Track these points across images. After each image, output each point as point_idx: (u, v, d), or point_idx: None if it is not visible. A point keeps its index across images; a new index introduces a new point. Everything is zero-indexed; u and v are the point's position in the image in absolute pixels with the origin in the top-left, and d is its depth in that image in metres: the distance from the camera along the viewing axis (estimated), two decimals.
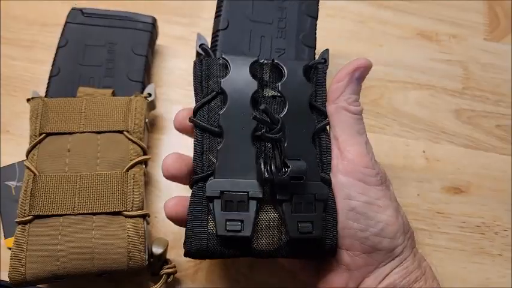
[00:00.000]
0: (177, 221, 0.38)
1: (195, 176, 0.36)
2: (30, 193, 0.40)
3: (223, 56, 0.38)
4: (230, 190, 0.34)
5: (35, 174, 0.41)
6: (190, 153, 0.38)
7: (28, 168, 0.42)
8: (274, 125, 0.34)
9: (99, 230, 0.40)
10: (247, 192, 0.34)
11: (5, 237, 0.45)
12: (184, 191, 0.37)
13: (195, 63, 0.39)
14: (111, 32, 0.51)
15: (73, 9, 0.51)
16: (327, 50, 0.41)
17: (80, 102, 0.45)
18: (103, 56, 0.49)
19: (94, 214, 0.40)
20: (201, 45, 0.40)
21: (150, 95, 0.48)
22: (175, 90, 0.55)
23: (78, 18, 0.51)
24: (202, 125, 0.37)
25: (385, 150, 0.54)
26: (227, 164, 0.35)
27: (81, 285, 0.44)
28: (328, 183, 0.36)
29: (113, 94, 0.47)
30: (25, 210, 0.40)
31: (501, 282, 0.48)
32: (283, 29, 0.42)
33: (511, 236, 0.50)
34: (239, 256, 0.34)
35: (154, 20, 0.53)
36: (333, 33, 0.61)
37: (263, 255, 0.34)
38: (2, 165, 0.49)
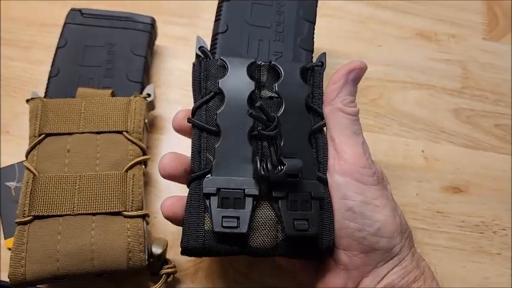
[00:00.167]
0: (174, 220, 0.38)
1: (192, 174, 0.36)
2: (30, 194, 0.41)
3: (221, 57, 0.39)
4: (226, 187, 0.34)
5: (34, 175, 0.41)
6: (189, 153, 0.38)
7: (28, 168, 0.42)
8: (270, 122, 0.35)
9: (98, 230, 0.40)
10: (244, 189, 0.34)
11: (5, 238, 0.45)
12: (183, 191, 0.38)
13: (194, 64, 0.40)
14: (111, 32, 0.51)
15: (72, 9, 0.52)
16: (324, 54, 0.42)
17: (79, 103, 0.45)
18: (102, 57, 0.49)
19: (94, 214, 0.40)
20: (200, 48, 0.40)
21: (149, 95, 0.48)
22: (174, 91, 0.55)
23: (77, 18, 0.51)
24: (200, 124, 0.37)
25: (385, 150, 0.54)
26: (224, 162, 0.35)
27: (81, 285, 0.44)
28: (324, 182, 0.36)
29: (112, 95, 0.47)
30: (25, 210, 0.40)
31: (500, 281, 0.48)
32: (281, 32, 0.42)
33: (510, 235, 0.50)
34: (235, 254, 0.34)
35: (153, 20, 0.53)
36: (332, 33, 0.61)
37: (260, 253, 0.34)
38: (1, 166, 0.49)
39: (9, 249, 0.42)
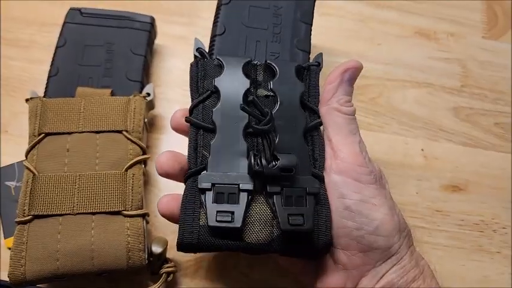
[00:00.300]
0: (170, 218, 0.38)
1: (188, 171, 0.36)
2: (30, 193, 0.41)
3: (217, 57, 0.39)
4: (221, 182, 0.34)
5: (34, 174, 0.41)
6: (186, 151, 0.38)
7: (27, 168, 0.42)
8: (264, 117, 0.35)
9: (98, 230, 0.40)
10: (238, 184, 0.34)
11: (5, 237, 0.45)
12: (182, 190, 0.38)
13: (191, 65, 0.41)
14: (110, 31, 0.51)
15: (71, 9, 0.51)
16: (320, 54, 0.42)
17: (78, 102, 0.45)
18: (102, 56, 0.49)
19: (93, 214, 0.40)
20: (198, 49, 0.41)
21: (148, 94, 0.48)
22: (174, 90, 0.55)
23: (76, 18, 0.51)
24: (196, 122, 0.37)
25: (384, 148, 0.54)
26: (219, 158, 0.36)
27: (81, 284, 0.44)
28: (320, 178, 0.36)
29: (112, 94, 0.47)
30: (24, 210, 0.40)
31: (500, 279, 0.48)
32: (278, 34, 0.43)
33: (509, 234, 0.50)
34: (231, 249, 0.34)
35: (152, 19, 0.53)
36: (331, 32, 0.61)
37: (255, 248, 0.34)
38: (1, 166, 0.49)
39: (9, 248, 0.42)
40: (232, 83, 0.38)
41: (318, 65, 0.41)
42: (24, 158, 0.43)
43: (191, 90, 0.40)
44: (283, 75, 0.39)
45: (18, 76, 0.55)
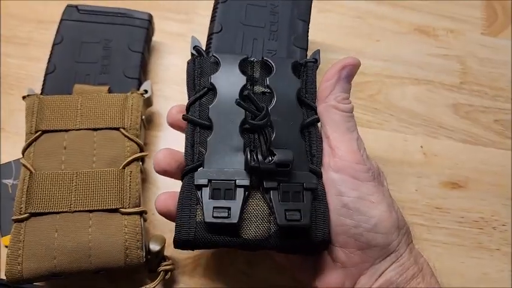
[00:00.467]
0: (167, 216, 0.38)
1: (185, 167, 0.36)
2: (27, 191, 0.40)
3: (213, 54, 0.39)
4: (217, 179, 0.34)
5: (31, 172, 0.41)
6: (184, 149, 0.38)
7: (24, 166, 0.42)
8: (259, 112, 0.35)
9: (95, 228, 0.40)
10: (235, 180, 0.34)
11: (2, 236, 0.45)
12: (179, 188, 0.37)
13: (188, 62, 0.40)
14: (107, 28, 0.50)
15: (68, 6, 0.51)
16: (318, 51, 0.42)
17: (75, 100, 0.45)
18: (99, 53, 0.49)
19: (91, 211, 0.40)
20: (195, 47, 0.41)
21: (146, 91, 0.48)
22: (171, 87, 0.55)
23: (73, 15, 0.51)
24: (193, 120, 0.37)
25: (383, 145, 0.54)
26: (216, 154, 0.35)
27: (78, 282, 0.44)
28: (317, 174, 0.36)
29: (109, 91, 0.47)
30: (21, 208, 0.40)
31: (499, 277, 0.48)
32: (275, 32, 0.43)
33: (509, 231, 0.50)
34: (228, 245, 0.34)
35: (150, 16, 0.53)
36: (330, 29, 0.61)
37: (252, 244, 0.34)
38: None
39: (6, 246, 0.42)
40: (228, 80, 0.38)
41: (315, 61, 0.41)
42: (21, 156, 0.43)
43: (188, 87, 0.40)
44: (280, 71, 0.39)
45: (16, 74, 0.55)
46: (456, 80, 0.59)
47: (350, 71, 0.39)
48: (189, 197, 0.35)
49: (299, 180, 0.35)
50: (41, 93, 0.46)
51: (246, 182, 0.34)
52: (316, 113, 0.39)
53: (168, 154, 0.38)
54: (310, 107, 0.39)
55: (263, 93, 0.39)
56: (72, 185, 0.41)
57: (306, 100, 0.39)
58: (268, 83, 0.38)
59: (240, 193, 0.34)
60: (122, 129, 0.44)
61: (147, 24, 0.52)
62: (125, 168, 0.42)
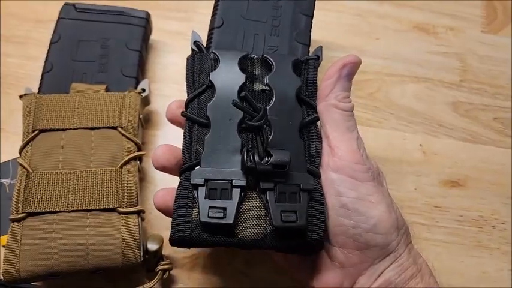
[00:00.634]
0: (166, 212, 0.38)
1: (183, 165, 0.36)
2: (24, 190, 0.40)
3: (213, 51, 0.39)
4: (214, 178, 0.34)
5: (28, 172, 0.41)
6: None
7: (21, 165, 0.41)
8: (256, 112, 0.35)
9: (93, 227, 0.39)
10: (231, 180, 0.34)
11: None
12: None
13: (187, 58, 0.40)
14: (105, 27, 0.50)
15: (66, 4, 0.51)
16: (320, 47, 0.41)
17: (73, 98, 0.45)
18: (96, 52, 0.49)
19: (88, 211, 0.40)
20: (195, 42, 0.41)
21: (144, 90, 0.47)
22: (170, 86, 0.55)
23: (71, 13, 0.51)
24: (191, 117, 0.37)
25: (382, 144, 0.54)
26: (213, 154, 0.35)
27: (76, 282, 0.44)
28: (315, 175, 0.36)
29: (107, 90, 0.47)
30: (18, 207, 0.40)
31: (499, 275, 0.48)
32: (277, 27, 0.42)
33: (509, 230, 0.50)
34: (223, 245, 0.34)
35: (148, 14, 0.52)
36: (330, 27, 0.60)
37: (248, 244, 0.34)
38: None
39: (4, 246, 0.42)
40: (227, 78, 0.37)
41: (317, 58, 0.40)
42: (18, 155, 0.42)
43: (187, 84, 0.39)
44: (280, 69, 0.38)
45: (14, 73, 0.55)
46: (456, 77, 0.58)
47: (351, 69, 0.38)
48: (185, 195, 0.35)
49: (296, 181, 0.35)
50: (38, 92, 0.46)
51: (243, 183, 0.34)
52: (316, 112, 0.38)
53: (167, 150, 0.38)
54: (310, 106, 0.38)
55: (263, 90, 0.38)
56: (69, 184, 0.41)
57: (306, 98, 0.38)
58: (267, 81, 0.38)
59: (236, 193, 0.34)
60: (119, 128, 0.44)
61: (145, 23, 0.52)
62: (122, 168, 0.42)
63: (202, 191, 0.34)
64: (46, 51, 0.49)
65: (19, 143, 0.43)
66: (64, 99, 0.44)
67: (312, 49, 0.42)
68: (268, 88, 0.38)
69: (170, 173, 0.39)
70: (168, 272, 0.43)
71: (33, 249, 0.38)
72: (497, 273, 0.48)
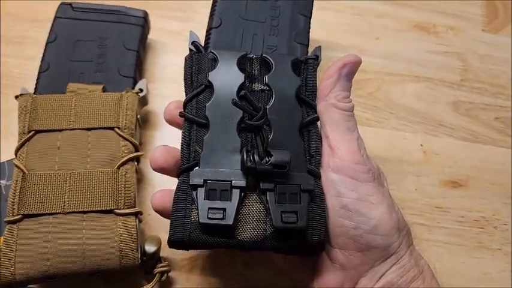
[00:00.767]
0: (163, 213, 0.37)
1: (181, 166, 0.36)
2: (19, 192, 0.40)
3: (211, 50, 0.39)
4: (213, 179, 0.34)
5: (24, 173, 0.40)
6: None
7: (17, 166, 0.41)
8: (256, 112, 0.35)
9: (90, 229, 0.39)
10: (230, 181, 0.34)
11: None
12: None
13: (185, 59, 0.40)
14: (102, 26, 0.50)
15: (62, 3, 0.51)
16: (319, 47, 0.41)
17: (69, 99, 0.44)
18: (93, 51, 0.48)
19: (85, 213, 0.40)
20: (193, 42, 0.40)
21: (141, 90, 0.47)
22: (168, 86, 0.54)
23: (67, 12, 0.50)
24: (189, 117, 0.37)
25: (383, 144, 0.53)
26: (212, 154, 0.35)
27: (73, 285, 0.44)
28: (315, 175, 0.36)
29: (104, 90, 0.46)
30: (14, 209, 0.39)
31: (500, 277, 0.47)
32: (276, 27, 0.42)
33: (510, 230, 0.49)
34: (222, 246, 0.33)
35: (146, 14, 0.52)
36: (329, 26, 0.60)
37: (248, 246, 0.33)
38: None
39: None
40: (226, 77, 0.37)
41: (316, 58, 0.40)
42: (14, 156, 0.42)
43: (185, 84, 0.39)
44: (279, 69, 0.38)
45: (10, 73, 0.54)
46: (456, 77, 0.58)
47: (351, 69, 0.38)
48: (184, 196, 0.34)
49: (296, 182, 0.34)
50: (34, 93, 0.46)
51: (242, 183, 0.34)
52: (316, 112, 0.38)
53: (165, 151, 0.38)
54: (310, 106, 0.38)
55: (262, 90, 0.38)
56: (65, 185, 0.40)
57: (306, 98, 0.38)
58: (267, 80, 0.37)
59: (235, 194, 0.33)
60: (116, 129, 0.43)
61: (143, 22, 0.51)
62: (119, 169, 0.42)
63: (201, 192, 0.33)
64: (42, 51, 0.48)
65: (14, 144, 0.43)
66: (60, 100, 0.44)
67: (311, 49, 0.42)
68: (267, 88, 0.37)
69: (168, 175, 0.38)
70: (166, 274, 0.42)
71: (29, 252, 0.38)
72: (499, 274, 0.47)
